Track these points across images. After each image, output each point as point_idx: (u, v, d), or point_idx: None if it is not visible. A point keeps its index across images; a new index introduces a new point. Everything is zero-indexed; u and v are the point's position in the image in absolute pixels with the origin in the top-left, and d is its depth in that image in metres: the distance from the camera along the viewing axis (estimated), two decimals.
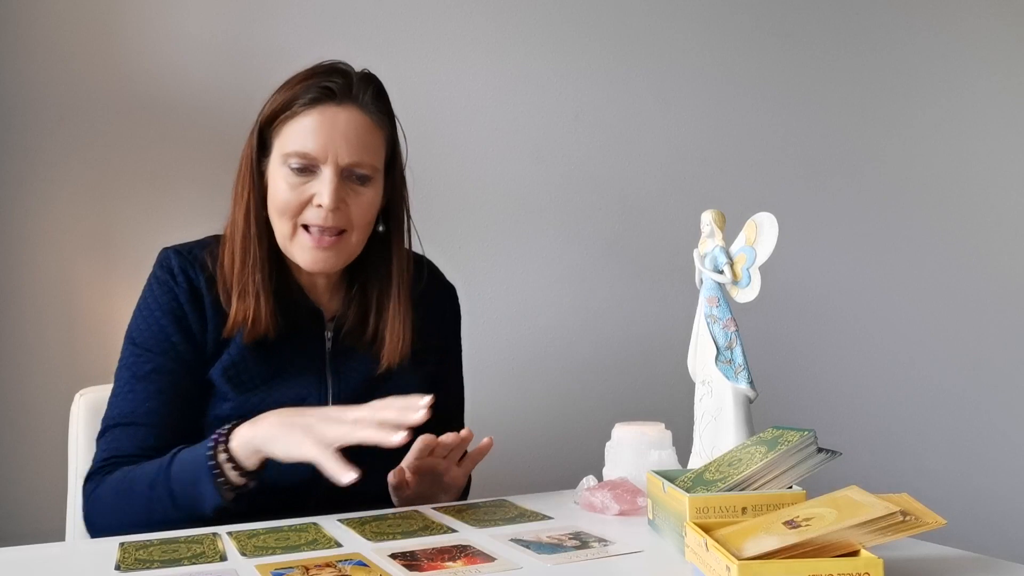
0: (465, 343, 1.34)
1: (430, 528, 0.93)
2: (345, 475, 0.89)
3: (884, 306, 2.31)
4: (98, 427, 1.10)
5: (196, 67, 1.70)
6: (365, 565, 0.78)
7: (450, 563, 0.78)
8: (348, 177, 1.09)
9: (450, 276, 1.33)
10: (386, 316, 1.17)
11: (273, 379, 1.11)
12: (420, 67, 1.88)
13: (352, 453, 1.13)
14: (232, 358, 1.10)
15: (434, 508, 1.03)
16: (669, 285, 2.05)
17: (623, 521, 0.95)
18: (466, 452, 1.12)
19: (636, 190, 2.07)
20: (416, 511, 1.02)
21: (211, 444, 0.98)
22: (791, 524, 0.67)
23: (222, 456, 0.97)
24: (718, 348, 0.96)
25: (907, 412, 2.31)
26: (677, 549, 0.80)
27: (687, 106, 2.13)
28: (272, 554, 0.83)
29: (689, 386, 1.02)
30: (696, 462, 0.97)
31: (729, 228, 1.00)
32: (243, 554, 0.83)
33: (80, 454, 1.23)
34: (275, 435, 0.96)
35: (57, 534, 1.27)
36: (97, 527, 1.05)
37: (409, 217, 1.21)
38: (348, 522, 0.96)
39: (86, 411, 1.25)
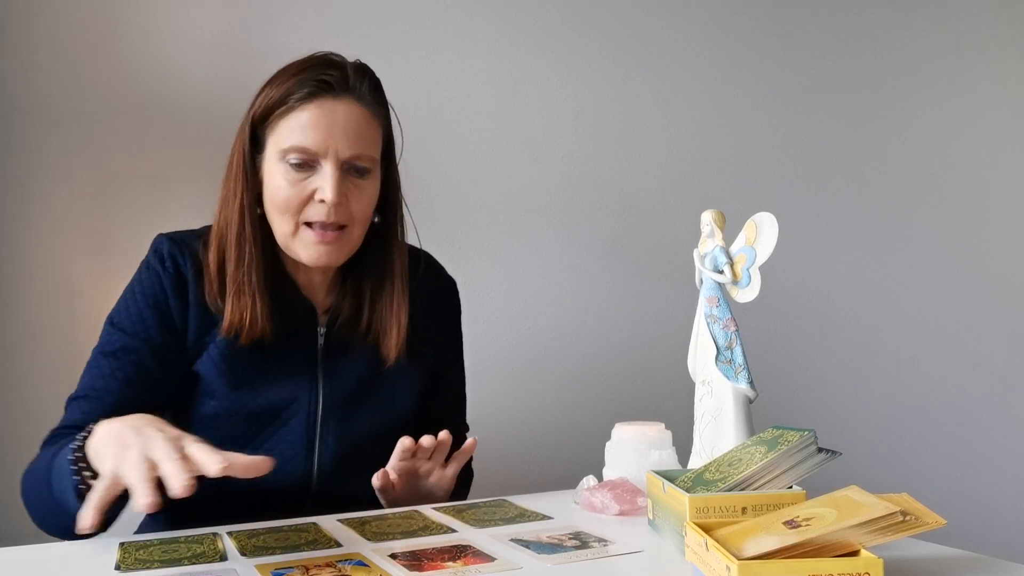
0: (465, 343, 1.34)
1: (430, 528, 0.92)
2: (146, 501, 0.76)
3: (884, 306, 2.31)
4: None
5: (197, 67, 1.70)
6: (365, 565, 0.78)
7: (450, 563, 0.78)
8: (348, 171, 1.08)
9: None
10: (380, 307, 1.16)
11: (264, 377, 1.10)
12: (420, 67, 1.88)
13: (348, 455, 1.13)
14: (222, 351, 1.08)
15: (434, 508, 1.03)
16: (669, 285, 2.05)
17: (623, 521, 0.95)
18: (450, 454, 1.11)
19: (636, 190, 2.07)
20: (416, 511, 1.02)
21: (81, 438, 0.91)
22: (791, 524, 0.67)
23: (79, 454, 0.90)
24: (718, 348, 0.96)
25: (907, 412, 2.31)
26: (677, 549, 0.80)
27: (687, 106, 2.13)
28: (272, 554, 0.83)
29: (689, 386, 1.02)
30: (696, 462, 0.97)
31: (729, 228, 1.00)
32: (243, 554, 0.83)
33: None
34: (105, 450, 0.85)
35: None
36: (24, 502, 1.00)
37: (404, 208, 1.20)
38: (348, 522, 0.95)
39: None
